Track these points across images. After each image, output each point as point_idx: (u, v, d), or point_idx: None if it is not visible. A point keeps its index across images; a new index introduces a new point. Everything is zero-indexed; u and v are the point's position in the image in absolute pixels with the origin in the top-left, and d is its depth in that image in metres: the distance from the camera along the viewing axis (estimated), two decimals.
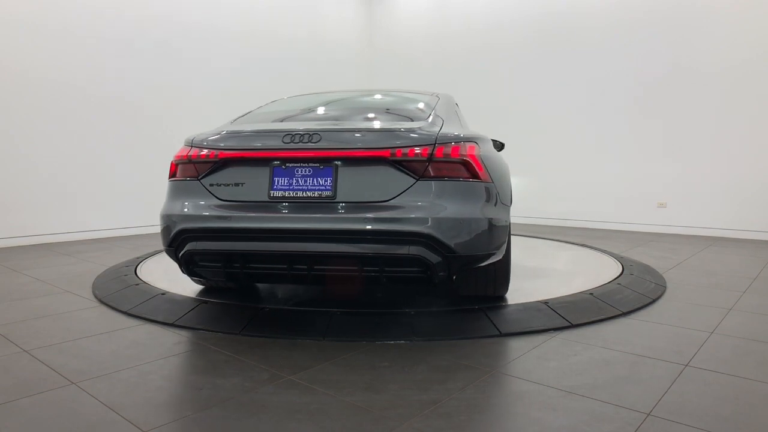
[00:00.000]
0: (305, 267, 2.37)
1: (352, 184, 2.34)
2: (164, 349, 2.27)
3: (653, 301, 3.09)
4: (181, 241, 2.48)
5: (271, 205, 2.39)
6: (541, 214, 7.44)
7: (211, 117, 4.87)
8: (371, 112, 3.05)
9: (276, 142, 2.42)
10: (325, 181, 2.35)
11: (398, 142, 2.33)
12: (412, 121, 2.64)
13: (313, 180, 2.36)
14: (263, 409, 1.70)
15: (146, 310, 2.82)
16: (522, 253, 4.58)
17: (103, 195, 5.88)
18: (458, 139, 2.42)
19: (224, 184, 2.48)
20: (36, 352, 2.24)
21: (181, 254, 2.50)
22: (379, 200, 2.30)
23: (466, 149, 2.40)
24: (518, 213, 6.88)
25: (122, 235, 5.92)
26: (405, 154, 2.30)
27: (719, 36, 6.12)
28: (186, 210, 2.48)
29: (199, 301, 2.88)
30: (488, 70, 7.98)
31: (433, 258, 2.26)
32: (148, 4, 6.20)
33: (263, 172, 2.43)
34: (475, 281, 2.79)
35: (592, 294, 3.02)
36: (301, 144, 2.38)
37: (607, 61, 6.91)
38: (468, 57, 8.18)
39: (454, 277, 2.59)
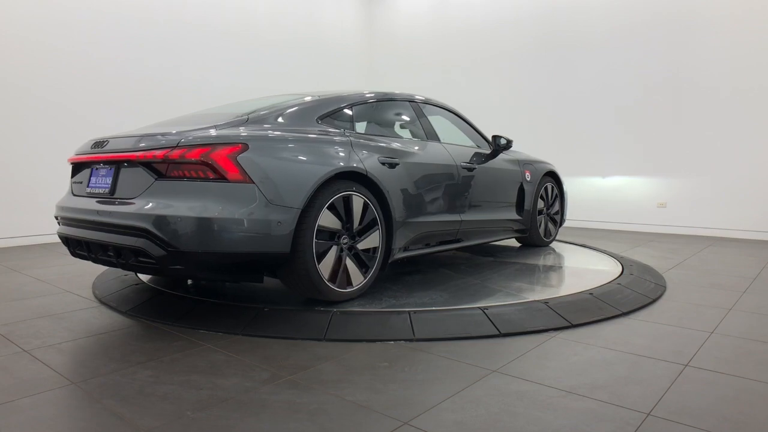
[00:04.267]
0: (95, 254, 2.68)
1: (122, 182, 2.64)
2: (164, 349, 2.27)
3: (653, 301, 3.10)
4: (57, 225, 3.06)
5: (85, 199, 2.84)
6: None
7: None
8: (222, 115, 2.96)
9: (87, 148, 2.92)
10: (108, 179, 2.71)
11: (144, 145, 2.56)
12: (227, 123, 2.71)
13: (104, 179, 2.75)
14: (263, 409, 1.70)
15: (146, 310, 2.82)
16: (522, 253, 4.58)
17: None
18: (207, 142, 2.45)
19: (75, 182, 3.03)
20: (36, 352, 2.24)
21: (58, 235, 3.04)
22: (129, 197, 2.55)
23: (212, 151, 2.42)
24: None
25: None
26: (145, 157, 2.51)
27: (720, 38, 6.12)
28: (59, 201, 3.07)
29: (199, 301, 2.88)
30: (488, 69, 7.98)
31: (156, 251, 2.37)
32: (149, 2, 6.20)
33: (88, 173, 2.91)
34: (294, 284, 2.71)
35: (592, 294, 3.02)
36: (95, 149, 2.83)
37: (608, 62, 6.92)
38: (468, 57, 8.19)
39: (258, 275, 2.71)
